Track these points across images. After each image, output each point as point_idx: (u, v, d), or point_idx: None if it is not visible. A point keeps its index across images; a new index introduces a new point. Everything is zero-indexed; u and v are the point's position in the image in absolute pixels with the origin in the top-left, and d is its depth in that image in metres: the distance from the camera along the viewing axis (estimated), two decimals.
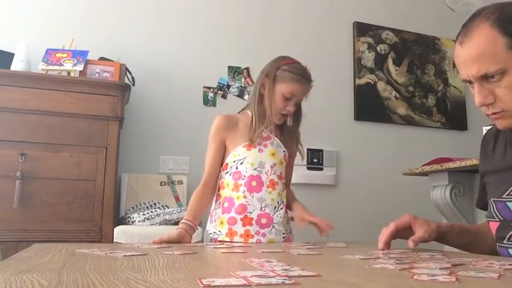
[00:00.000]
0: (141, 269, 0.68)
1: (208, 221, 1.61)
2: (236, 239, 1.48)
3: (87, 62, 2.43)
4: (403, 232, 1.06)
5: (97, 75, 2.44)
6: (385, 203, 3.19)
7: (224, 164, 1.57)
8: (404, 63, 3.49)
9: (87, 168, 2.25)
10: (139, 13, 2.92)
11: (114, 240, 2.12)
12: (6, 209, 2.11)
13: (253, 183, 1.53)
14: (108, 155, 2.29)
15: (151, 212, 2.38)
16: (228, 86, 3.03)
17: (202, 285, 0.51)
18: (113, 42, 2.78)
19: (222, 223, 1.51)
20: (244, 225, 1.50)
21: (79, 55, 2.42)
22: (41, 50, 2.43)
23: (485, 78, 0.90)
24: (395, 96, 3.40)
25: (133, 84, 2.59)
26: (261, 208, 1.52)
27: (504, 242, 1.00)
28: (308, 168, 3.03)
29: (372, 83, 3.35)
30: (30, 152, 2.19)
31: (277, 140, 1.60)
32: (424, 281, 0.58)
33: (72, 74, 2.36)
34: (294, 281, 0.55)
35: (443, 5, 2.87)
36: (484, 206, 1.13)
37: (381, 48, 3.43)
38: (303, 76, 1.54)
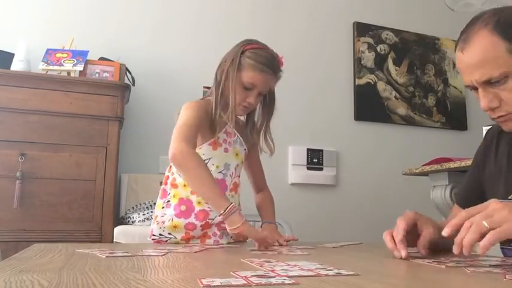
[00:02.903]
0: (141, 269, 0.68)
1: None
2: (193, 241, 1.34)
3: (87, 62, 2.42)
4: (408, 235, 0.92)
5: (97, 75, 2.44)
6: (385, 203, 3.19)
7: None
8: (404, 63, 3.49)
9: (87, 168, 2.25)
10: (140, 13, 2.92)
11: (114, 240, 2.12)
12: (6, 209, 2.11)
13: None
14: (108, 155, 2.29)
15: (152, 212, 2.37)
16: None
17: (202, 285, 0.51)
18: (113, 42, 2.78)
19: (175, 227, 1.33)
20: (203, 229, 1.34)
21: (79, 55, 2.42)
22: (41, 50, 2.42)
23: (489, 83, 0.90)
24: (395, 96, 3.40)
25: (133, 84, 2.59)
26: None
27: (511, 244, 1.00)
28: (308, 168, 3.02)
29: (372, 83, 3.35)
30: (30, 152, 2.19)
31: (240, 137, 1.43)
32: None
33: (72, 74, 2.36)
34: (294, 281, 0.55)
35: (443, 5, 2.86)
36: (466, 201, 1.11)
37: (381, 48, 3.42)
38: (267, 66, 1.33)
